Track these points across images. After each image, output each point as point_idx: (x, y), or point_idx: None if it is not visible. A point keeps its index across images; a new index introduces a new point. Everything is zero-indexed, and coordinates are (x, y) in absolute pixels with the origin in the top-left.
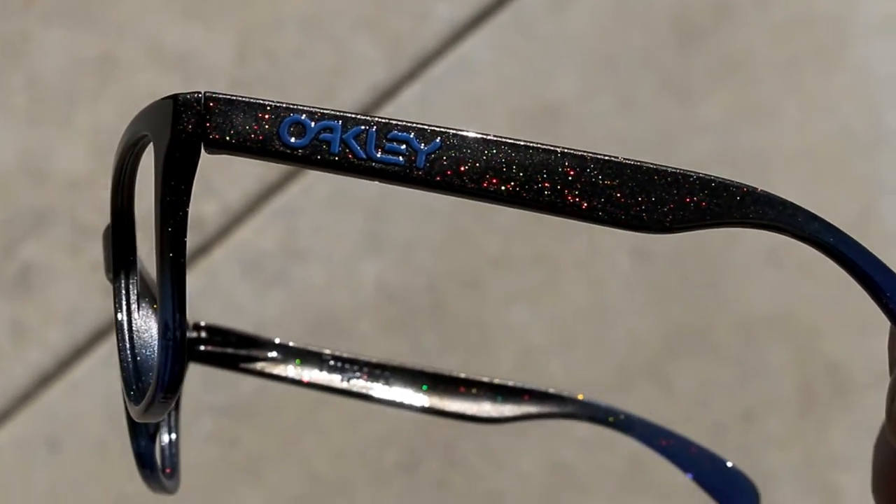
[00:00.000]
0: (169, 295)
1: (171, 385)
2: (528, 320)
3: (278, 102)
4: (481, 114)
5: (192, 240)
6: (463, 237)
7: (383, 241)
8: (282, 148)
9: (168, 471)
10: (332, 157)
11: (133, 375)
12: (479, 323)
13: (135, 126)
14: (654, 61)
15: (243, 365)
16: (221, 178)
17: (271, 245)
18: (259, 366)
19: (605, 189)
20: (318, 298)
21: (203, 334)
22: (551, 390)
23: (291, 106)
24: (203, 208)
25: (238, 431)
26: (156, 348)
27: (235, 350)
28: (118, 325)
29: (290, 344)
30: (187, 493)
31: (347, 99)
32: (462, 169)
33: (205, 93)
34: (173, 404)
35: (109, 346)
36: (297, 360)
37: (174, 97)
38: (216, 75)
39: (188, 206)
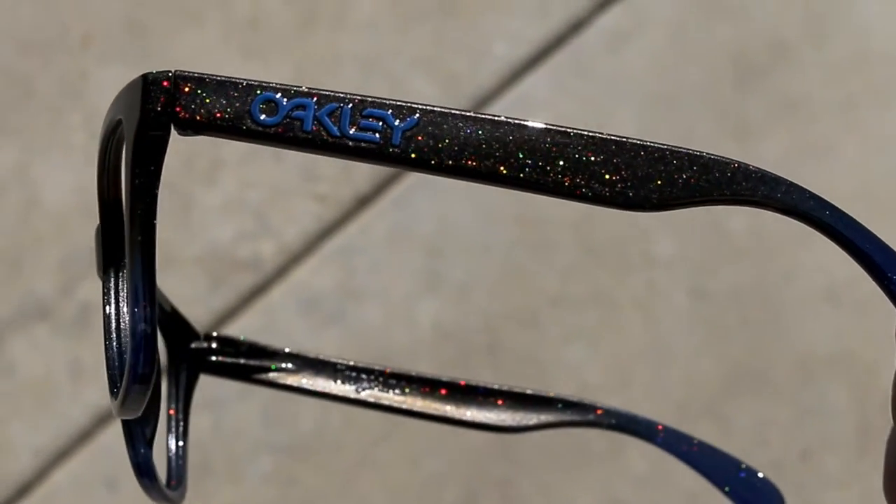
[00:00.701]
0: (139, 279)
1: (143, 376)
2: (585, 359)
3: (250, 80)
4: None
5: (250, 280)
6: (519, 275)
7: (440, 280)
8: (253, 126)
9: (174, 482)
10: (304, 136)
11: (118, 373)
12: (536, 362)
13: (110, 112)
14: (712, 100)
15: (255, 376)
16: (279, 218)
17: (329, 284)
18: (271, 376)
19: (589, 165)
20: (374, 337)
21: (214, 345)
22: (572, 398)
23: (263, 83)
24: (261, 248)
25: (296, 471)
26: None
27: (247, 360)
28: (105, 319)
29: (304, 354)
30: None
31: None
32: (440, 146)
33: (175, 71)
34: (148, 396)
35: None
36: (311, 371)
37: (143, 76)
38: None
39: (157, 188)
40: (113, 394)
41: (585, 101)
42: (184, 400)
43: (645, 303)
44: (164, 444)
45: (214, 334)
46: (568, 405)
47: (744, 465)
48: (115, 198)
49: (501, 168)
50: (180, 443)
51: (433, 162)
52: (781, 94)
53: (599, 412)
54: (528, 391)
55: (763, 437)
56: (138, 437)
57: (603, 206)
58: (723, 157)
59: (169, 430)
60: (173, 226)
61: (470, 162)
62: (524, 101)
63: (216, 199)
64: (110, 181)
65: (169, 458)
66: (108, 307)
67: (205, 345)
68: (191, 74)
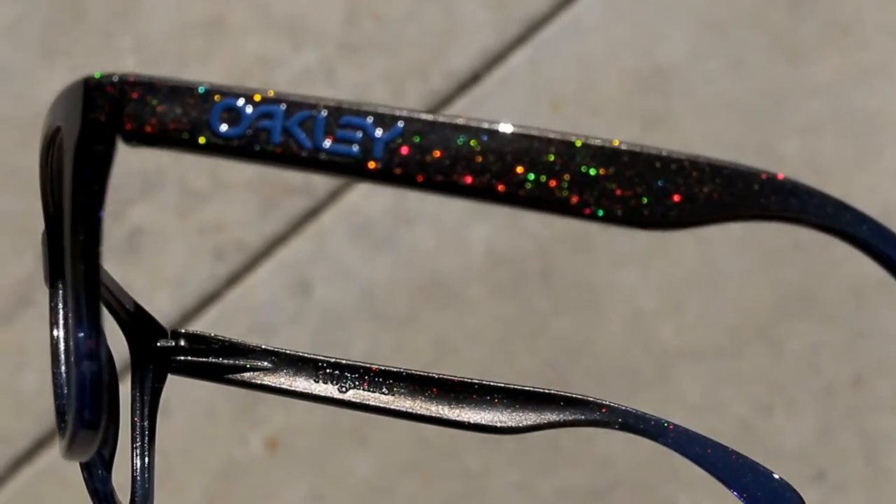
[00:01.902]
0: (83, 314)
1: (91, 422)
2: (637, 283)
3: (210, 84)
4: (592, 77)
5: (301, 204)
6: None
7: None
8: (213, 138)
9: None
10: (272, 149)
11: (65, 403)
12: (589, 286)
13: (49, 116)
14: (765, 23)
15: (229, 375)
16: None
17: (380, 209)
18: (247, 376)
19: (598, 180)
20: (426, 263)
21: (183, 342)
22: (576, 395)
23: (224, 88)
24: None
25: None
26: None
27: (220, 359)
28: (53, 344)
29: (282, 351)
30: (297, 458)
31: (457, 63)
32: (427, 159)
33: (120, 75)
34: (98, 442)
35: (218, 309)
36: (290, 369)
37: (85, 80)
38: (324, 38)
39: (103, 208)
40: (61, 430)
41: (638, 25)
42: (150, 405)
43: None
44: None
45: (183, 331)
46: (570, 402)
47: (762, 469)
48: (60, 207)
49: (498, 185)
50: (145, 459)
51: (421, 178)
52: (833, 18)
53: (604, 410)
54: (528, 388)
55: (815, 361)
56: (95, 463)
57: (615, 226)
58: (749, 168)
59: (133, 442)
60: None
61: (462, 178)
62: (576, 25)
63: None
64: (54, 190)
65: (133, 477)
66: (55, 330)
67: (172, 343)
68: (139, 79)
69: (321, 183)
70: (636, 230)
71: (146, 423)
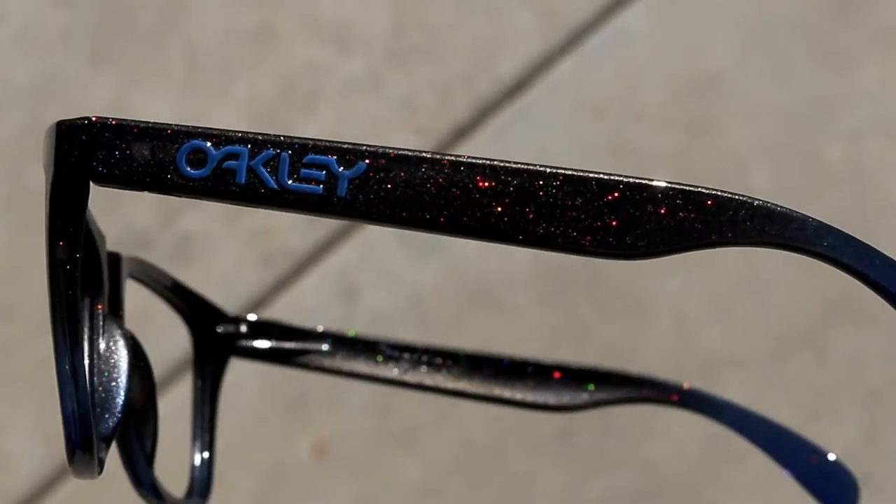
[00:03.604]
0: (62, 344)
1: (84, 444)
2: (683, 290)
3: (177, 126)
4: (637, 85)
5: None
6: None
7: None
8: (179, 180)
9: (193, 496)
10: (237, 189)
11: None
12: (635, 293)
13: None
14: (810, 29)
15: (291, 359)
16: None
17: None
18: (308, 359)
19: (565, 210)
20: (473, 269)
21: (243, 328)
22: (632, 373)
23: (191, 130)
24: None
25: (393, 400)
26: (120, 381)
27: (280, 343)
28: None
29: (340, 333)
30: (345, 462)
31: (504, 70)
32: (392, 196)
33: (89, 119)
34: (98, 468)
35: (267, 316)
36: (348, 351)
37: (56, 125)
38: (372, 47)
39: (78, 250)
40: (70, 453)
41: (683, 33)
42: (210, 391)
43: None
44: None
45: (244, 317)
46: (626, 381)
47: (818, 448)
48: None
49: (464, 218)
50: (205, 454)
51: (386, 213)
52: (879, 25)
53: (660, 387)
54: (585, 366)
55: (860, 366)
56: (136, 454)
57: (581, 256)
58: (723, 193)
59: (194, 429)
60: None
61: (427, 213)
62: (622, 33)
63: (314, 130)
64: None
65: (192, 468)
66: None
67: (233, 328)
68: (109, 123)
69: None
70: (608, 260)
71: (207, 409)
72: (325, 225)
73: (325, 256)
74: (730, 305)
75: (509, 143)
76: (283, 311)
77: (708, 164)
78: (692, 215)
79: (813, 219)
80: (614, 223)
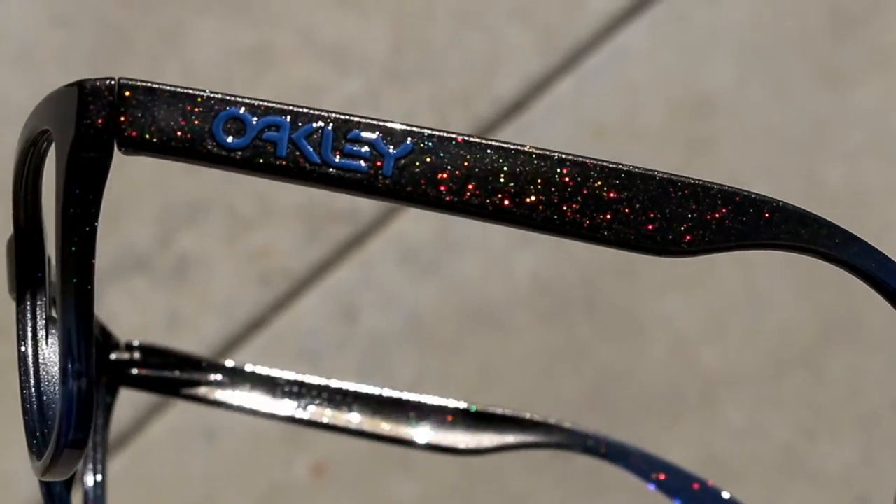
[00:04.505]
0: (73, 330)
1: (75, 441)
2: (681, 310)
3: (212, 92)
4: (637, 105)
5: (347, 230)
6: None
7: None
8: (216, 149)
9: None
10: (278, 162)
11: (38, 421)
12: (633, 313)
13: (34, 119)
14: (808, 49)
15: (184, 390)
16: None
17: (426, 236)
18: (202, 391)
19: (611, 203)
20: (472, 290)
21: (136, 355)
22: (536, 417)
23: (228, 97)
24: (359, 199)
25: None
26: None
27: (174, 373)
28: (21, 358)
29: (239, 366)
30: (343, 483)
31: (502, 90)
32: (439, 177)
33: (119, 79)
34: (81, 461)
35: (265, 337)
36: (246, 385)
37: (79, 83)
38: (370, 66)
39: (97, 219)
40: (32, 448)
41: (682, 53)
42: (102, 420)
43: (740, 252)
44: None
45: (136, 343)
46: (532, 425)
47: (725, 499)
48: (33, 215)
49: (511, 206)
50: (98, 477)
51: (432, 196)
52: (876, 45)
53: (566, 433)
54: (489, 409)
55: (858, 386)
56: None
57: (626, 251)
58: (760, 196)
59: (86, 459)
60: None
61: (474, 198)
62: (622, 53)
63: None
64: (29, 198)
65: (85, 493)
66: (22, 345)
67: (126, 356)
68: (138, 83)
69: (367, 210)
70: (650, 256)
71: (98, 439)
72: (323, 244)
73: (323, 276)
74: (727, 325)
75: None
76: (281, 330)
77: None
78: (734, 216)
79: (842, 228)
80: (658, 220)
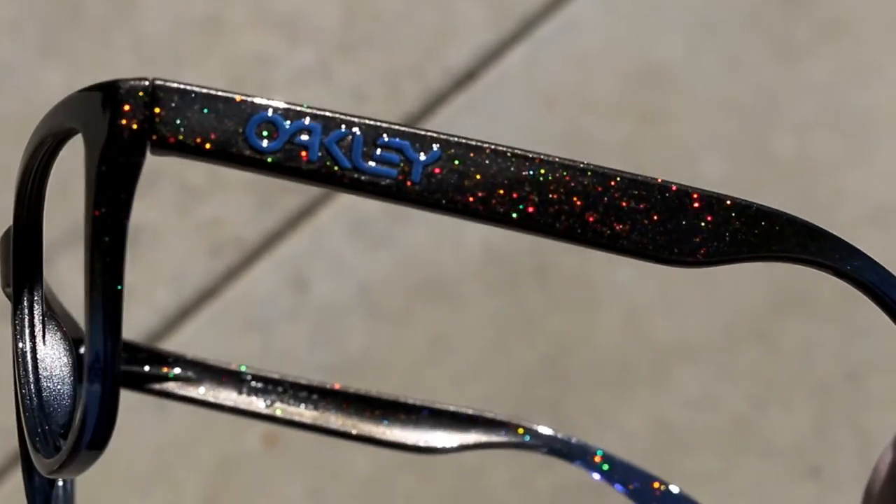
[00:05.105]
0: (101, 329)
1: (98, 440)
2: (634, 280)
3: (245, 95)
4: (588, 75)
5: (298, 201)
6: None
7: None
8: (249, 152)
9: None
10: (309, 167)
11: (40, 417)
12: (585, 283)
13: (57, 117)
14: (760, 21)
15: (150, 385)
16: None
17: (377, 206)
18: (169, 386)
19: (631, 213)
20: (423, 260)
21: None
22: (501, 417)
23: (260, 101)
24: None
25: None
26: (66, 382)
27: (142, 367)
28: (20, 355)
29: (207, 361)
30: (295, 454)
31: (453, 61)
32: (465, 184)
33: (153, 79)
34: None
35: (217, 306)
36: (214, 380)
37: (114, 84)
38: (322, 37)
39: (128, 219)
40: (35, 445)
41: (634, 24)
42: None
43: None
44: None
45: None
46: (496, 424)
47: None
48: (36, 209)
49: (536, 215)
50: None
51: (459, 204)
52: (828, 16)
53: (528, 433)
54: (452, 408)
55: (809, 358)
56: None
57: (643, 261)
58: (770, 208)
59: None
60: None
61: (500, 206)
62: (573, 23)
63: None
64: (34, 193)
65: (55, 487)
66: (20, 341)
67: None
68: (173, 85)
69: None
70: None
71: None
72: (274, 215)
73: (274, 246)
74: (680, 296)
75: (460, 133)
76: (232, 300)
77: (658, 154)
78: (747, 228)
79: (847, 242)
80: (675, 231)
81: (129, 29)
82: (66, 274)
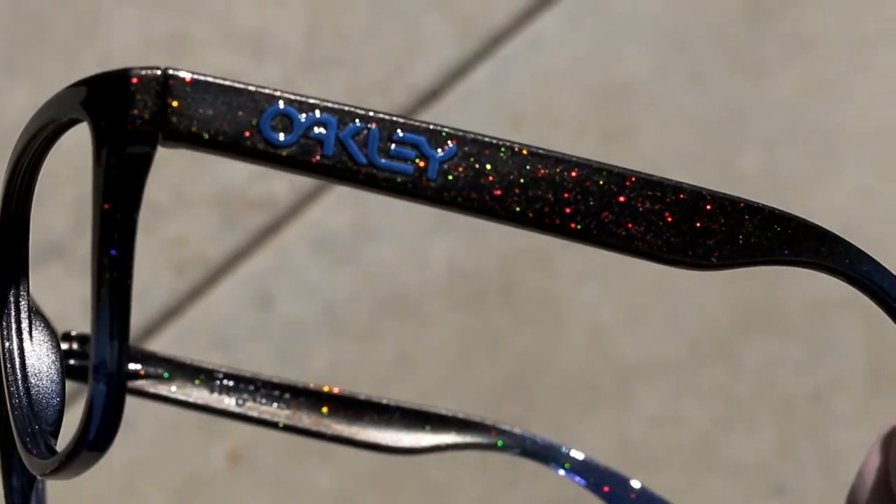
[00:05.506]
0: (108, 328)
1: (100, 442)
2: (599, 298)
3: (259, 87)
4: (553, 93)
5: (263, 219)
6: None
7: (453, 220)
8: (263, 146)
9: None
10: (325, 161)
11: (29, 417)
12: (550, 301)
13: (61, 107)
14: (725, 39)
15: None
16: None
17: (342, 223)
18: (140, 384)
19: (645, 214)
20: (388, 277)
21: (75, 346)
22: (475, 418)
23: (275, 93)
24: (274, 187)
25: None
26: (54, 380)
27: None
28: (6, 355)
29: (178, 359)
30: (259, 471)
31: (419, 78)
32: (481, 182)
33: (165, 68)
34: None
35: (181, 324)
36: (185, 379)
37: (124, 72)
38: (286, 54)
39: (137, 212)
40: (26, 445)
41: (599, 41)
42: None
43: None
44: None
45: (74, 333)
46: (468, 426)
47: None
48: (25, 203)
49: (552, 214)
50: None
51: (476, 202)
52: (794, 34)
53: (502, 435)
54: (424, 408)
55: (774, 376)
56: (18, 469)
57: (657, 263)
58: (783, 212)
59: None
60: (186, 164)
61: (516, 205)
62: (538, 41)
63: None
64: (24, 186)
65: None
66: (7, 340)
67: (65, 346)
68: (186, 75)
69: (283, 197)
70: (664, 265)
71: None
72: (239, 233)
73: (239, 265)
74: (644, 313)
75: None
76: (196, 318)
77: None
78: (760, 231)
79: (857, 246)
80: (689, 233)
81: (94, 47)
82: (32, 291)
